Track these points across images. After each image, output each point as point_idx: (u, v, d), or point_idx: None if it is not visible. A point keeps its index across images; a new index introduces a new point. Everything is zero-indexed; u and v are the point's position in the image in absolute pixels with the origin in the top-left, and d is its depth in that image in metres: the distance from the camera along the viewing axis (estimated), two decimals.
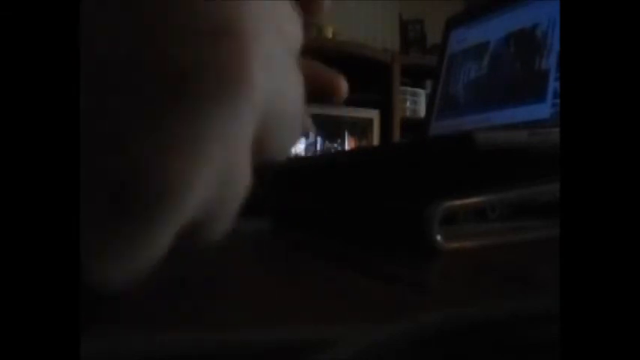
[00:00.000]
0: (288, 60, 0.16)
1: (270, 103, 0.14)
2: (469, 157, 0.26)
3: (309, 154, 2.20)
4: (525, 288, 0.19)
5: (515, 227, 0.27)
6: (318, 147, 2.33)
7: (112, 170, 0.12)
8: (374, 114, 2.38)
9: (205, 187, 0.13)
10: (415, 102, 2.45)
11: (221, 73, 0.12)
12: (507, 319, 0.13)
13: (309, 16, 0.18)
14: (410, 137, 2.31)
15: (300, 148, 2.23)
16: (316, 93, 0.21)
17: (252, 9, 0.13)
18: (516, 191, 0.26)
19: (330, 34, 2.30)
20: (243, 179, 0.14)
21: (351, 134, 2.40)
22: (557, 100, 0.49)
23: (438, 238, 0.24)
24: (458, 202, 0.25)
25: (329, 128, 2.34)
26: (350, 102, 2.28)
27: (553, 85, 0.50)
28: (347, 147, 2.38)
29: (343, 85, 0.23)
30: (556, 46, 0.51)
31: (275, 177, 0.39)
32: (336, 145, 2.38)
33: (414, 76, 2.41)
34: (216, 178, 0.13)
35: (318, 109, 2.13)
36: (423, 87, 2.43)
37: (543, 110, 0.50)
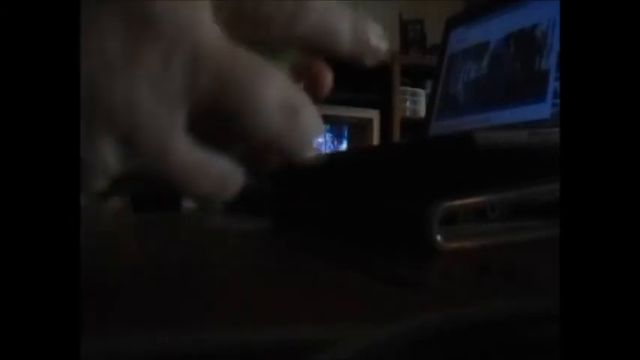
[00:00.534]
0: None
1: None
2: (469, 157, 0.26)
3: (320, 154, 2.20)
4: (525, 288, 0.19)
5: (515, 227, 0.27)
6: (327, 147, 2.33)
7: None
8: (374, 114, 2.38)
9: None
10: (415, 102, 2.45)
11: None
12: (507, 319, 0.13)
13: (313, 98, 0.19)
14: (410, 137, 2.31)
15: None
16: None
17: None
18: (516, 191, 0.26)
19: None
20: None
21: (351, 134, 2.40)
22: (557, 100, 0.49)
23: (438, 238, 0.24)
24: (458, 202, 0.25)
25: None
26: (350, 102, 2.28)
27: (553, 85, 0.50)
28: (347, 147, 2.38)
29: (327, 78, 0.23)
30: (556, 46, 0.51)
31: (275, 177, 0.39)
32: (335, 145, 2.38)
33: (414, 76, 2.41)
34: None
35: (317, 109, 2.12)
36: (423, 87, 2.43)
37: (543, 110, 0.50)
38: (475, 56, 0.61)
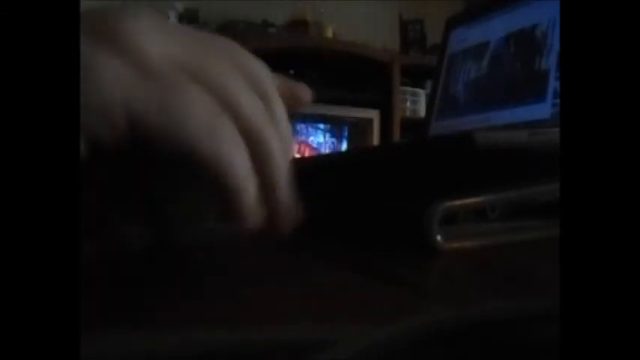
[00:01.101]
0: None
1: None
2: (469, 157, 0.26)
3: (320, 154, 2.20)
4: (525, 288, 0.19)
5: (515, 227, 0.27)
6: (328, 147, 2.33)
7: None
8: (374, 114, 2.38)
9: None
10: (415, 102, 2.45)
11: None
12: (507, 319, 0.13)
13: (292, 109, 0.20)
14: (410, 137, 2.31)
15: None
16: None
17: None
18: (516, 191, 0.26)
19: (330, 34, 2.30)
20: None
21: (351, 134, 2.40)
22: (557, 100, 0.49)
23: (438, 238, 0.24)
24: (458, 202, 0.25)
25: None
26: (350, 102, 2.28)
27: (553, 85, 0.50)
28: (347, 147, 2.38)
29: (306, 94, 0.25)
30: (556, 46, 0.51)
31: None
32: (335, 145, 2.38)
33: (414, 76, 2.41)
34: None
35: (318, 109, 2.13)
36: (423, 87, 2.43)
37: (543, 110, 0.50)
38: (475, 56, 0.61)
